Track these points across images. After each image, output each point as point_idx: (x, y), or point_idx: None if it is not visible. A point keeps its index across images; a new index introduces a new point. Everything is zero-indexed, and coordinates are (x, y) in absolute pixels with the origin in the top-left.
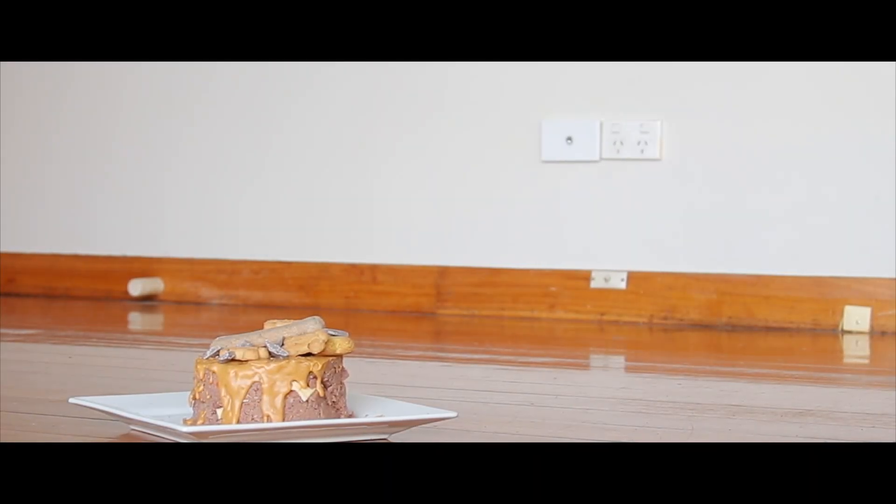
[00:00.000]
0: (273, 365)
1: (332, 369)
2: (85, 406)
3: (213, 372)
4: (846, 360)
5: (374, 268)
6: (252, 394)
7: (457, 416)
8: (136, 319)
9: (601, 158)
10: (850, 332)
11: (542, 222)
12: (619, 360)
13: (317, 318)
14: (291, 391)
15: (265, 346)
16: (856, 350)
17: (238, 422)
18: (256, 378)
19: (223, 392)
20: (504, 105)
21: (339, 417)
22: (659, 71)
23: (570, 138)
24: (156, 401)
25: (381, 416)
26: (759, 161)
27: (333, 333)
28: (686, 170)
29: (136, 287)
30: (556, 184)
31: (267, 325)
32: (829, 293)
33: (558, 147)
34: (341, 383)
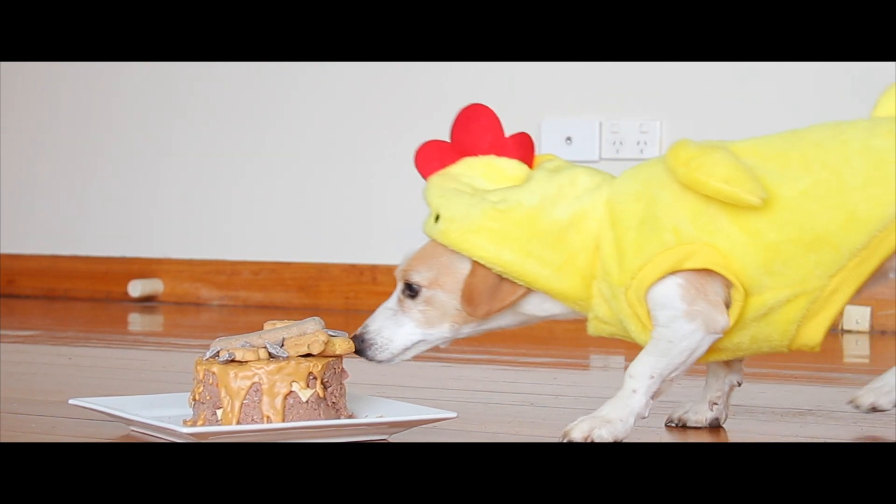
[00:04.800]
0: (273, 366)
1: (332, 370)
2: (85, 407)
3: (213, 373)
4: (846, 360)
5: (373, 268)
6: (252, 394)
7: (457, 417)
8: (136, 320)
9: (601, 158)
10: (850, 332)
11: None
12: (619, 360)
13: (316, 318)
14: (291, 392)
15: (265, 347)
16: (856, 350)
17: (238, 422)
18: (256, 379)
19: (223, 393)
20: (503, 105)
21: (339, 418)
22: (659, 71)
23: (569, 138)
24: (156, 402)
25: (381, 416)
26: None
27: (333, 334)
28: None
29: (136, 288)
30: None
31: (267, 326)
32: None
33: (558, 147)
34: (341, 384)
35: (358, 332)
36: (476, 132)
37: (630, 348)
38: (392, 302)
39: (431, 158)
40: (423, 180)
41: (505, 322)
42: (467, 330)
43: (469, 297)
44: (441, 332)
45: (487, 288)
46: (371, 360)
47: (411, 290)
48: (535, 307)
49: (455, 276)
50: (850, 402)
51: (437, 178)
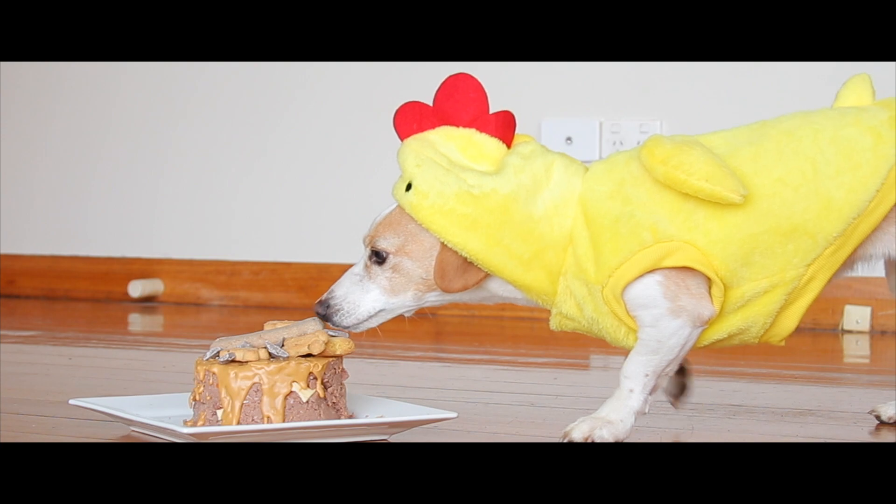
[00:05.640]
0: (273, 366)
1: (333, 370)
2: (85, 407)
3: (214, 373)
4: (846, 360)
5: None
6: (252, 395)
7: (457, 417)
8: (136, 321)
9: (601, 158)
10: (850, 332)
11: None
12: (618, 360)
13: (317, 318)
14: (292, 392)
15: (265, 347)
16: (856, 349)
17: (238, 423)
18: (256, 379)
19: (223, 393)
20: (503, 105)
21: (339, 418)
22: (659, 71)
23: (569, 138)
24: (156, 402)
25: (381, 416)
26: None
27: (333, 334)
28: None
29: (137, 288)
30: None
31: (267, 326)
32: (829, 293)
33: (558, 147)
34: (341, 384)
35: (323, 297)
36: (461, 103)
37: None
38: (359, 268)
39: (410, 120)
40: (399, 141)
41: (468, 297)
42: (431, 298)
43: (442, 273)
44: (405, 299)
45: (460, 264)
46: (337, 325)
47: (378, 257)
48: (499, 287)
49: (422, 244)
50: (871, 412)
51: (414, 142)
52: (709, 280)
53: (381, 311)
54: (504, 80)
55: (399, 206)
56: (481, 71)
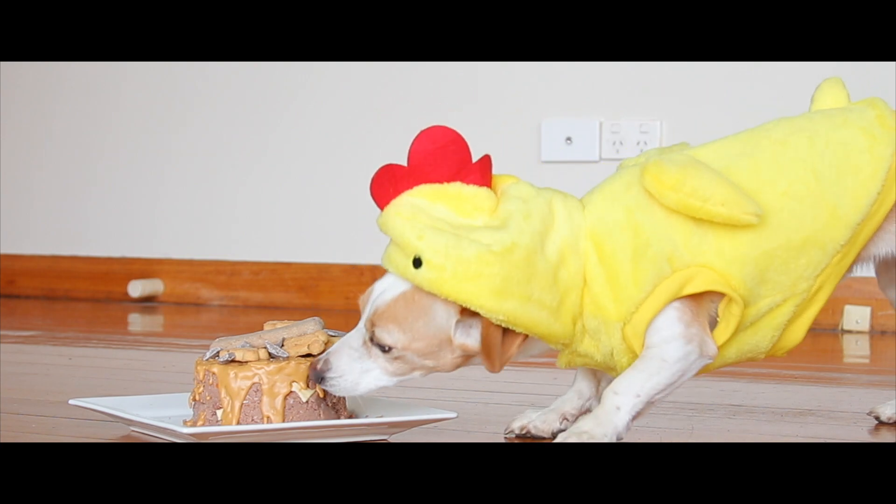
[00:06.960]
0: (273, 366)
1: None
2: (85, 407)
3: (213, 373)
4: (846, 360)
5: (374, 268)
6: (252, 395)
7: (457, 417)
8: (136, 321)
9: (601, 159)
10: (850, 332)
11: None
12: None
13: (317, 318)
14: (291, 392)
15: (265, 347)
16: (856, 349)
17: (238, 423)
18: (256, 379)
19: (223, 393)
20: (504, 105)
21: (339, 418)
22: (659, 71)
23: (569, 139)
24: (156, 402)
25: (381, 416)
26: None
27: (333, 334)
28: None
29: (136, 288)
30: (555, 184)
31: (267, 327)
32: None
33: (558, 147)
34: None
35: (319, 367)
36: (440, 158)
37: None
38: (356, 341)
39: (386, 185)
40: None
41: (479, 360)
42: (438, 370)
43: (488, 353)
44: (410, 376)
45: (500, 338)
46: (332, 394)
47: (381, 346)
48: (524, 350)
49: (430, 341)
50: (870, 412)
51: (401, 210)
52: (727, 299)
53: (382, 387)
54: (504, 80)
55: (403, 293)
56: (481, 71)
